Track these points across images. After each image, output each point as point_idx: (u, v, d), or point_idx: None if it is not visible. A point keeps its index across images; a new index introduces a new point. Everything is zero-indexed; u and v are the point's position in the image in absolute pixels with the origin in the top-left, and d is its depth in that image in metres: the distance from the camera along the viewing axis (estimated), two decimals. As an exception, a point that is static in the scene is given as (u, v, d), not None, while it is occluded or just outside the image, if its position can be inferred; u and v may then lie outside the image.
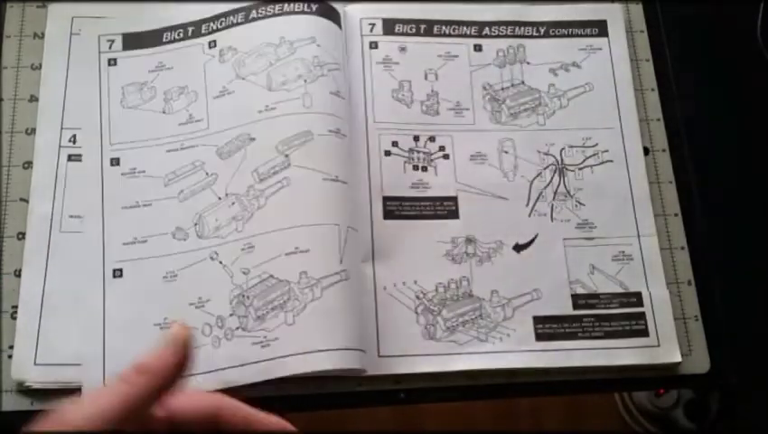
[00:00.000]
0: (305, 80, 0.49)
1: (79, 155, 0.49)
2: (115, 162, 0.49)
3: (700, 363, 0.48)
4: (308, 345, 0.43)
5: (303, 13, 0.51)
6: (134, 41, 0.52)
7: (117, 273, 0.46)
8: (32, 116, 0.49)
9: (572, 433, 0.90)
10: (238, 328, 0.44)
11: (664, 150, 0.53)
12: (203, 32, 0.52)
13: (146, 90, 0.50)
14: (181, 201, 0.48)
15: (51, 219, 0.47)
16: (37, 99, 0.50)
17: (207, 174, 0.48)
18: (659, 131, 0.53)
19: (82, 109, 0.50)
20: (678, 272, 0.50)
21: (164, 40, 0.52)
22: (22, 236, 0.47)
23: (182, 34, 0.52)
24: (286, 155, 0.47)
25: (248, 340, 0.44)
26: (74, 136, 0.49)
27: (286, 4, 0.51)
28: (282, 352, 0.43)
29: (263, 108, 0.48)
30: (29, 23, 0.52)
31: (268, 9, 0.51)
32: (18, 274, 0.46)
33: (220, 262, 0.46)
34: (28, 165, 0.48)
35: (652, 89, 0.54)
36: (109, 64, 0.51)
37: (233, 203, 0.47)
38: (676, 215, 0.51)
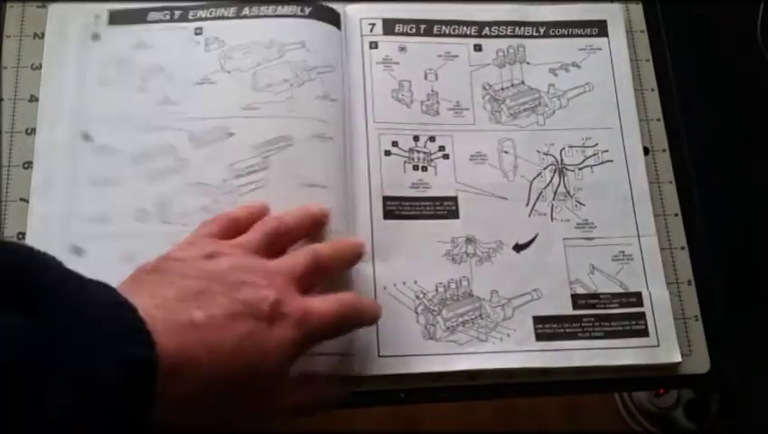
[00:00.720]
0: (291, 84, 0.49)
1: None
2: (87, 137, 0.49)
3: (700, 363, 0.48)
4: None
5: (295, 16, 0.51)
6: (119, 17, 0.52)
7: (78, 250, 0.46)
8: (33, 116, 0.49)
9: (572, 433, 0.90)
10: None
11: (664, 150, 0.53)
12: (190, 18, 0.52)
13: (125, 67, 0.50)
14: (147, 181, 0.48)
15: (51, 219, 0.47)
16: (37, 99, 0.50)
17: (177, 158, 0.48)
18: (659, 131, 0.53)
19: (60, 84, 0.49)
20: (678, 272, 0.50)
21: (149, 19, 0.52)
22: (22, 236, 0.47)
23: (168, 16, 0.52)
24: (265, 157, 0.48)
25: None
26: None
27: (279, 7, 0.51)
28: None
29: (246, 105, 0.49)
30: (29, 23, 0.52)
31: (261, 9, 0.51)
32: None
33: None
34: (28, 165, 0.48)
35: (652, 89, 0.54)
36: (93, 39, 0.51)
37: (203, 193, 0.47)
38: (676, 215, 0.51)
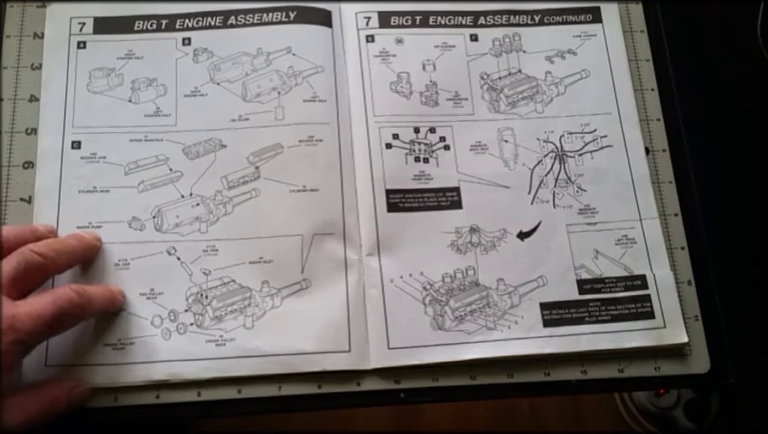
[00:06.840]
0: (279, 93, 0.50)
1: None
2: (76, 145, 0.49)
3: (700, 363, 0.48)
4: (265, 349, 0.45)
5: (280, 23, 0.52)
6: (105, 25, 0.52)
7: None
8: (33, 116, 0.49)
9: (572, 433, 0.90)
10: (192, 324, 0.45)
11: (664, 150, 0.53)
12: (177, 27, 0.52)
13: (113, 77, 0.50)
14: (140, 191, 0.48)
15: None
16: (37, 99, 0.50)
17: (171, 169, 0.49)
18: (659, 131, 0.53)
19: (56, 88, 0.50)
20: (678, 272, 0.50)
21: (136, 28, 0.52)
22: (22, 236, 0.47)
23: (154, 25, 0.52)
24: (257, 167, 0.49)
25: (203, 337, 0.45)
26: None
27: (265, 14, 0.52)
28: (238, 352, 0.45)
29: (236, 117, 0.50)
30: (29, 23, 0.52)
31: (247, 17, 0.52)
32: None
33: (178, 258, 0.47)
34: (28, 164, 0.48)
35: (652, 90, 0.54)
36: (78, 47, 0.51)
37: (198, 204, 0.48)
38: (676, 215, 0.51)
